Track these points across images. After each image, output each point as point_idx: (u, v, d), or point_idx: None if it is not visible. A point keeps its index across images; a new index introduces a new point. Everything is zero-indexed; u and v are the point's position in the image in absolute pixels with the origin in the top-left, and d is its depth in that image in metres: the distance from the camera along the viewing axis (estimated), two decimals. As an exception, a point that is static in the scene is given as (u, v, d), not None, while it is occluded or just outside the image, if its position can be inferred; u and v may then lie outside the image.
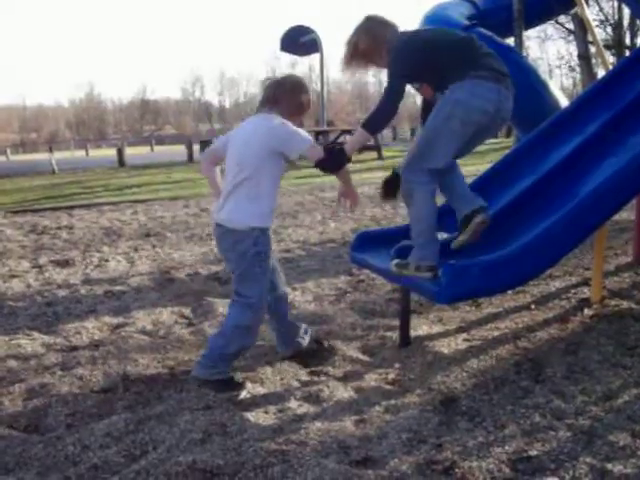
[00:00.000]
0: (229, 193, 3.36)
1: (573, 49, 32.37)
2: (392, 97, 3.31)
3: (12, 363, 3.82)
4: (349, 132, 20.97)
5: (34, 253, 7.21)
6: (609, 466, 2.43)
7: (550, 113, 5.53)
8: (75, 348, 4.08)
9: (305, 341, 3.73)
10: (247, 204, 3.30)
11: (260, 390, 3.33)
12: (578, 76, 34.80)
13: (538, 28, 29.48)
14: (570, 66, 36.12)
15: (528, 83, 7.01)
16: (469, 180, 4.57)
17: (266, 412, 3.07)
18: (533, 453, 2.57)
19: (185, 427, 2.88)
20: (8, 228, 8.97)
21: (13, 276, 6.14)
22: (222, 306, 4.78)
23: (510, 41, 9.09)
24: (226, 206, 3.36)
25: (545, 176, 4.03)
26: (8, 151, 38.02)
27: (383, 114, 3.35)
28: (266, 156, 3.29)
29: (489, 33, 7.14)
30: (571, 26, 26.66)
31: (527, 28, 9.14)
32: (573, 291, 4.69)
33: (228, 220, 3.33)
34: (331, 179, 13.34)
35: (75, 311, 4.90)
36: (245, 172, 3.29)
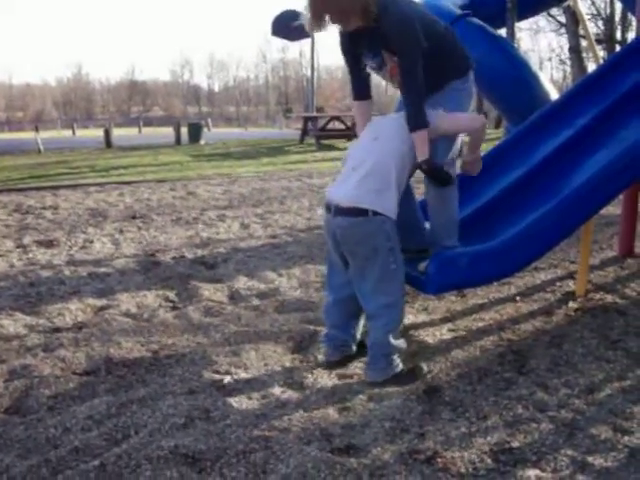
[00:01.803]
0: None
1: (564, 42, 32.43)
2: (419, 81, 3.12)
3: (-6, 343, 3.79)
4: (338, 118, 20.93)
5: (18, 233, 7.14)
6: (590, 459, 2.45)
7: (540, 105, 5.54)
8: (58, 330, 4.05)
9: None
10: None
11: (244, 376, 3.31)
12: (569, 69, 34.84)
13: (530, 20, 29.45)
14: (561, 59, 36.29)
15: (519, 75, 7.03)
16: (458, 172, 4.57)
17: (249, 398, 3.06)
18: (515, 445, 2.58)
19: (168, 411, 2.87)
20: (-8, 207, 8.88)
21: (-4, 255, 6.09)
22: (207, 290, 4.76)
23: (502, 32, 9.06)
24: None
25: (534, 169, 4.04)
26: (-7, 129, 37.70)
27: (420, 104, 3.16)
28: None
29: (481, 23, 7.14)
30: (563, 19, 26.69)
31: (520, 20, 9.13)
32: (558, 284, 4.70)
33: None
34: (318, 166, 13.34)
35: (59, 292, 4.86)
36: None
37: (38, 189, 10.59)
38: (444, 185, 3.27)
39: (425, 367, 3.30)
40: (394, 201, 3.11)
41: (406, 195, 3.33)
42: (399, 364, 3.23)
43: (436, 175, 3.23)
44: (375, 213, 3.04)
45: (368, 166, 3.12)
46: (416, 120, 3.15)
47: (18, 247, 6.45)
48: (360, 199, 3.05)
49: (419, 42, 3.09)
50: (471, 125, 3.36)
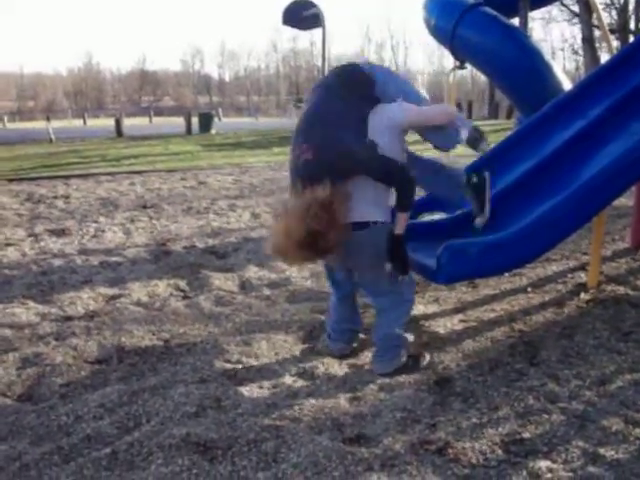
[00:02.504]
0: None
1: (577, 32, 32.24)
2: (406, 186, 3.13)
3: (6, 332, 3.81)
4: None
5: (30, 222, 7.18)
6: (601, 451, 2.44)
7: (553, 96, 5.49)
8: (70, 318, 4.07)
9: None
10: None
11: (255, 365, 3.32)
12: (581, 59, 34.61)
13: (542, 9, 29.25)
14: (573, 49, 36.02)
15: (532, 65, 6.96)
16: (469, 161, 4.55)
17: (260, 387, 3.07)
18: (526, 436, 2.57)
19: (179, 400, 2.88)
20: (4, 196, 8.92)
21: (9, 244, 6.11)
22: (218, 279, 4.77)
23: (514, 22, 9.00)
24: None
25: (546, 159, 4.00)
26: (5, 119, 37.79)
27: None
28: None
29: (494, 13, 7.09)
30: (576, 8, 26.50)
31: (533, 9, 9.06)
32: (570, 275, 4.68)
33: None
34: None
35: (70, 281, 4.88)
36: None
37: (50, 178, 10.63)
38: (401, 269, 3.20)
39: (428, 356, 3.32)
40: (388, 206, 3.18)
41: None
42: (405, 354, 3.26)
43: (399, 254, 3.18)
44: (375, 223, 3.09)
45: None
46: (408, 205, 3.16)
47: (30, 236, 6.48)
48: (358, 214, 3.07)
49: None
50: (441, 118, 3.33)
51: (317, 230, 2.77)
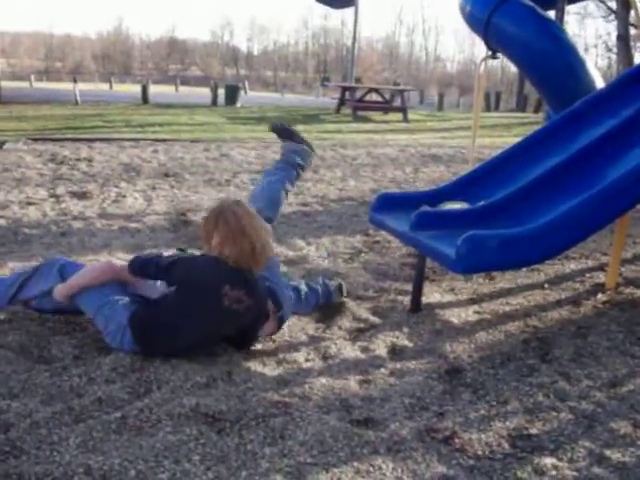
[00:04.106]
0: None
1: (612, 29, 31.77)
2: None
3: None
4: (376, 90, 20.76)
5: (52, 182, 7.21)
6: (608, 452, 2.44)
7: (585, 92, 5.44)
8: (87, 281, 4.09)
9: None
10: None
11: (267, 342, 3.34)
12: (614, 57, 34.14)
13: (579, 4, 28.89)
14: (607, 46, 35.52)
15: (565, 59, 6.88)
16: (496, 153, 4.53)
17: (272, 363, 3.09)
18: (533, 431, 2.57)
19: (190, 370, 2.90)
20: (27, 155, 8.96)
21: (30, 203, 6.16)
22: (235, 254, 4.78)
23: (550, 15, 8.88)
24: None
25: (575, 155, 3.96)
26: (32, 78, 37.88)
27: None
28: None
29: (531, 4, 7.00)
30: (613, 5, 26.10)
31: (570, 3, 8.94)
32: (588, 275, 4.65)
33: None
34: (353, 137, 13.26)
35: (89, 244, 4.91)
36: None
37: (74, 140, 10.65)
38: None
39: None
40: None
41: None
42: None
43: None
44: None
45: None
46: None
47: (51, 197, 6.53)
48: None
49: None
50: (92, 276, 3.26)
51: None
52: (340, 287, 3.88)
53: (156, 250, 4.29)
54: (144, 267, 3.19)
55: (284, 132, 4.13)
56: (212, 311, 3.01)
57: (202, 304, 3.00)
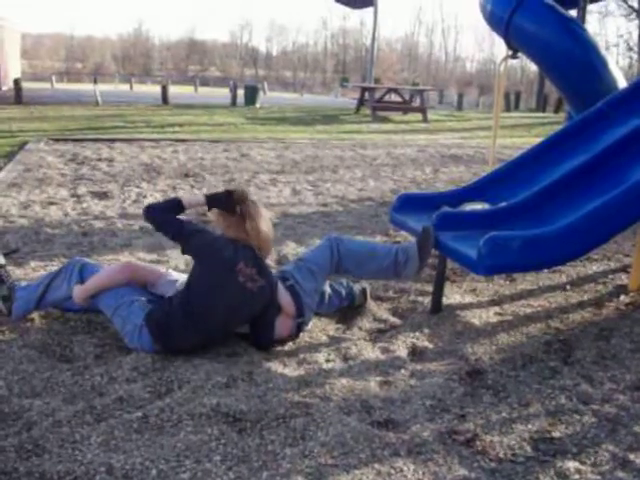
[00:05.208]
0: None
1: (634, 28, 31.49)
2: None
3: (46, 289, 3.87)
4: (395, 90, 20.71)
5: (73, 182, 7.27)
6: (631, 456, 2.41)
7: (607, 92, 5.38)
8: (108, 280, 4.11)
9: None
10: None
11: (288, 342, 3.34)
12: (635, 56, 33.83)
13: (600, 3, 28.64)
14: (629, 45, 35.19)
15: (586, 58, 6.81)
16: (517, 153, 4.49)
17: (292, 364, 3.09)
18: (556, 435, 2.55)
19: (211, 370, 2.91)
20: (49, 155, 9.03)
21: (51, 203, 6.21)
22: (255, 254, 4.79)
23: (572, 14, 8.80)
24: None
25: (598, 156, 3.92)
26: (53, 79, 38.14)
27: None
28: None
29: (552, 3, 6.94)
30: (635, 4, 25.86)
31: (592, 2, 8.86)
32: (610, 276, 4.61)
33: None
34: (372, 137, 13.24)
35: (110, 244, 4.94)
36: None
37: (94, 140, 10.73)
38: None
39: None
40: None
41: None
42: None
43: None
44: None
45: None
46: None
47: (73, 196, 6.57)
48: None
49: None
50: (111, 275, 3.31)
51: None
52: (364, 291, 3.87)
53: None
54: (166, 222, 3.25)
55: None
56: (228, 287, 3.09)
57: (218, 278, 3.10)
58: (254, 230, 3.20)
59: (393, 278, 3.86)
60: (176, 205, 3.27)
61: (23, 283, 3.56)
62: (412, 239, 4.91)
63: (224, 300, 3.09)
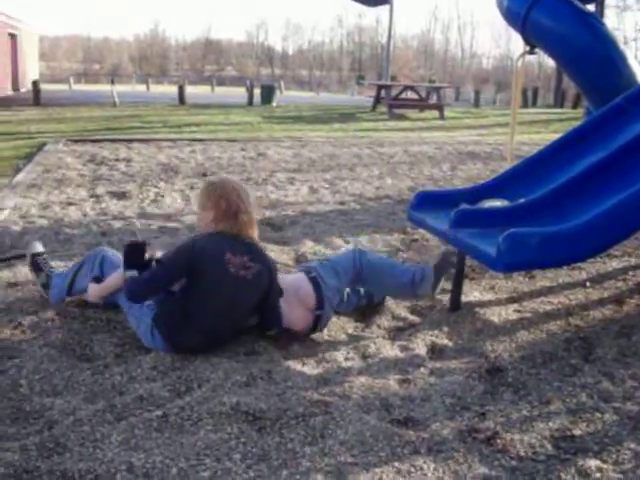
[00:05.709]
0: None
1: (653, 22, 31.13)
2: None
3: (66, 289, 3.89)
4: (412, 88, 20.65)
5: (92, 183, 7.31)
6: (654, 455, 2.39)
7: (626, 87, 5.33)
8: (127, 280, 4.13)
9: None
10: None
11: (306, 341, 3.34)
12: (655, 51, 33.52)
13: (619, -3, 28.38)
14: (647, 39, 34.82)
15: (605, 52, 6.75)
16: (535, 149, 4.46)
17: (311, 362, 3.09)
18: (577, 433, 2.53)
19: (230, 368, 2.92)
20: (68, 156, 9.09)
21: (71, 204, 6.25)
22: (273, 251, 4.79)
23: (590, 8, 8.72)
24: None
25: (617, 152, 3.89)
26: (71, 80, 38.40)
27: None
28: None
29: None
30: (654, -3, 25.59)
31: (610, -4, 8.76)
32: (631, 273, 4.57)
33: None
34: (389, 135, 13.21)
35: (129, 243, 4.96)
36: None
37: (112, 141, 10.79)
38: None
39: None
40: None
41: None
42: None
43: None
44: None
45: None
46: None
47: (91, 197, 6.61)
48: None
49: None
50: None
51: None
52: None
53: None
54: (151, 285, 3.15)
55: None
56: (220, 281, 3.07)
57: (210, 277, 3.07)
58: (223, 217, 3.16)
59: (409, 296, 3.82)
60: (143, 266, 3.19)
61: (59, 270, 3.66)
62: (429, 237, 4.92)
63: (221, 295, 3.09)
